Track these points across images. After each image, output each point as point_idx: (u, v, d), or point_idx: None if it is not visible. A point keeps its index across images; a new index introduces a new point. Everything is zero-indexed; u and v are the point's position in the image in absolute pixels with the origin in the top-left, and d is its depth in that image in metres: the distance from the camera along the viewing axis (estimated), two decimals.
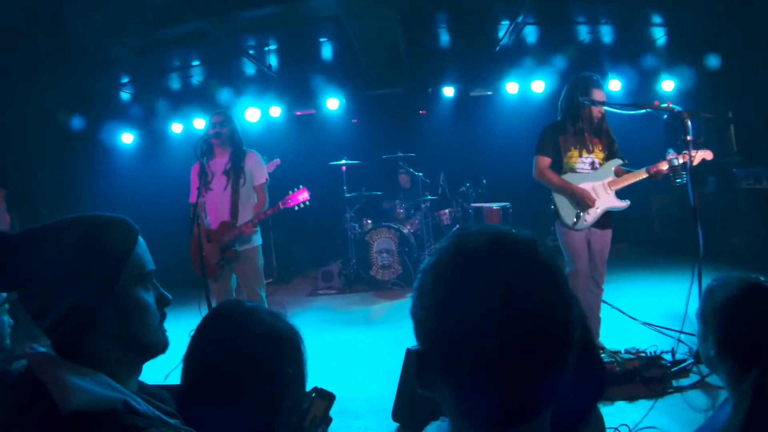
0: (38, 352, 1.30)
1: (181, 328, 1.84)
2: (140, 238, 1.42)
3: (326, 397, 1.96)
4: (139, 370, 1.42)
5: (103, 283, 1.32)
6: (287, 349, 1.59)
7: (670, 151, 4.73)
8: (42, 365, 1.25)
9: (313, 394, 1.94)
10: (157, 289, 1.45)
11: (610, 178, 4.91)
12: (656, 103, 4.68)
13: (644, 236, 9.45)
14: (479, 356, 0.88)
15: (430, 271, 0.96)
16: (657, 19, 8.76)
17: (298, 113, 11.10)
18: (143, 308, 1.39)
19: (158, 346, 1.43)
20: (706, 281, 4.36)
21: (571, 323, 0.91)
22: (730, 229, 7.76)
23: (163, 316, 1.45)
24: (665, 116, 9.08)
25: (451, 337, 0.90)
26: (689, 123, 4.54)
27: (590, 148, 4.90)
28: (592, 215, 4.86)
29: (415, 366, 0.98)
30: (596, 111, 4.84)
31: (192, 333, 1.58)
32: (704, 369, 4.35)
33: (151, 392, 1.44)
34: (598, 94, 4.81)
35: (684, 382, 4.28)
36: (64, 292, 1.27)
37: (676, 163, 4.65)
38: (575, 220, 4.85)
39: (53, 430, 1.16)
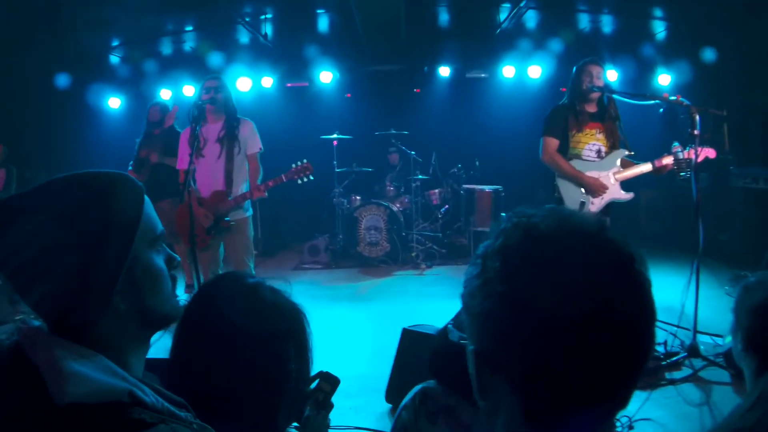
0: (31, 326, 1.10)
1: None
2: (146, 196, 1.20)
3: (331, 381, 1.89)
4: (147, 347, 1.24)
5: (117, 252, 1.10)
6: (290, 329, 1.49)
7: (675, 144, 4.69)
8: (36, 344, 1.06)
9: (317, 379, 1.86)
10: (165, 251, 1.25)
11: (616, 169, 4.87)
12: (665, 95, 4.67)
13: (630, 228, 9.46)
14: (559, 358, 0.77)
15: (497, 255, 0.83)
16: (658, 12, 8.71)
17: (290, 85, 10.93)
18: (158, 275, 1.20)
19: (173, 315, 1.26)
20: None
21: (655, 334, 0.83)
22: (717, 226, 7.79)
23: (174, 280, 1.26)
24: (661, 110, 9.07)
25: (526, 335, 0.78)
26: (697, 117, 4.50)
27: (594, 133, 4.85)
28: (597, 205, 4.83)
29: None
30: (595, 95, 4.79)
31: (185, 304, 1.42)
32: (696, 363, 4.35)
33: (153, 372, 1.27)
34: (600, 75, 4.75)
35: (677, 375, 4.28)
36: (71, 268, 1.06)
37: (680, 156, 4.61)
38: (579, 209, 4.79)
39: (45, 422, 0.99)
